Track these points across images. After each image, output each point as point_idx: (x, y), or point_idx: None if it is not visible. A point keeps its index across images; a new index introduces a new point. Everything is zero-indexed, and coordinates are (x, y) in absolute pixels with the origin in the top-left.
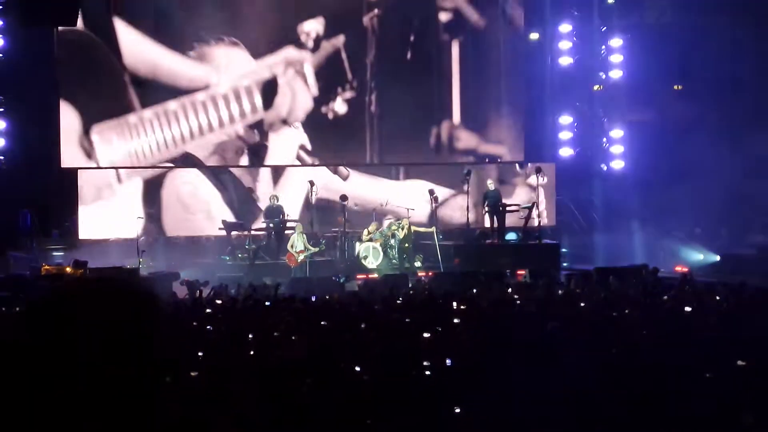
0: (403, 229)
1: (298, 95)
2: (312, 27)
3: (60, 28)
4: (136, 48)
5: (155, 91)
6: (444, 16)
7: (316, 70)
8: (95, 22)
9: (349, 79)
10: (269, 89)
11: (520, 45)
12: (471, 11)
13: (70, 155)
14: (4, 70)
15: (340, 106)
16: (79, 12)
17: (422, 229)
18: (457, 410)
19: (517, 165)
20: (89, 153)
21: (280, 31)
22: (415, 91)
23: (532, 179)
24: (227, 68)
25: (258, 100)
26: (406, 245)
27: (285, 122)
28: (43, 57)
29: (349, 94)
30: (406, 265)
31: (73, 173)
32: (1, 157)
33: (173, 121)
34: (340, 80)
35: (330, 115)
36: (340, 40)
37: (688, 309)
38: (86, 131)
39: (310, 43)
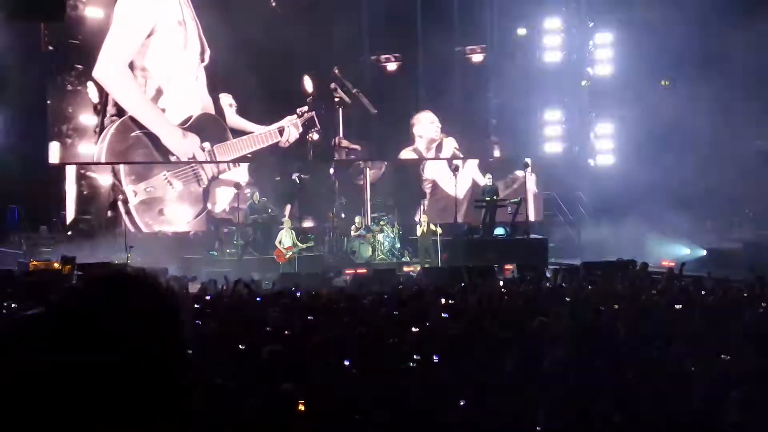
0: (422, 226)
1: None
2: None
3: None
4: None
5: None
6: None
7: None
8: None
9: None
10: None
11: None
12: None
13: (57, 151)
14: None
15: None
16: (66, 7)
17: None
18: (462, 403)
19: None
20: None
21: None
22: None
23: (520, 174)
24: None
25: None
26: (426, 243)
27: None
28: (32, 53)
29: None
30: (427, 260)
31: (61, 169)
32: None
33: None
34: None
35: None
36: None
37: (678, 306)
38: None
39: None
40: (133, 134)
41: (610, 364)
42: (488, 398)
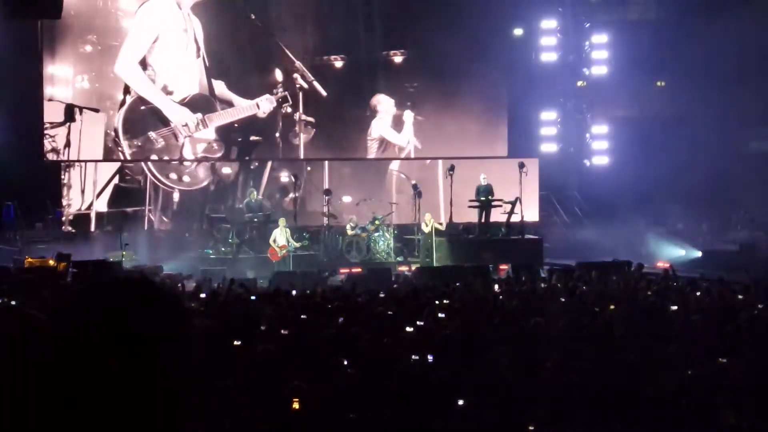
0: (428, 224)
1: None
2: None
3: None
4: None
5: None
6: None
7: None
8: None
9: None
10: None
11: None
12: None
13: (53, 148)
14: None
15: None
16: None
17: (437, 226)
18: (461, 402)
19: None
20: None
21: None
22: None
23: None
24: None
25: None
26: (429, 241)
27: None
28: (27, 50)
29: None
30: (426, 260)
31: (56, 166)
32: None
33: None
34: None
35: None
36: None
37: (673, 308)
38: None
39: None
40: (142, 107)
41: (605, 364)
42: (484, 398)
